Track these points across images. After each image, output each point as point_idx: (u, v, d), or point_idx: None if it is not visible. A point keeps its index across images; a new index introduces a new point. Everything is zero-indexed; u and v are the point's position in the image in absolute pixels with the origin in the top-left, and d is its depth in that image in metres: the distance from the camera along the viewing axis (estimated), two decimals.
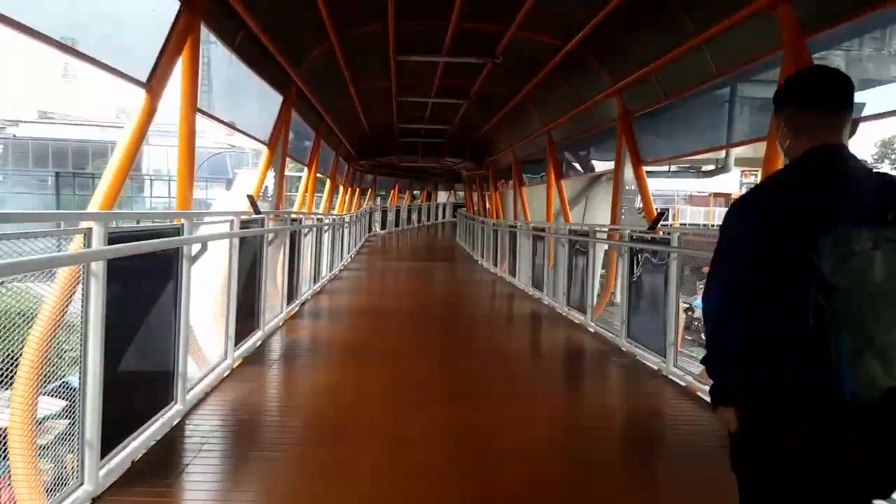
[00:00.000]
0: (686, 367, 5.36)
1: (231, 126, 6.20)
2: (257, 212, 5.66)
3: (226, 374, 5.02)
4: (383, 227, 27.77)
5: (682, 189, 46.17)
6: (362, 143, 16.67)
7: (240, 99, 6.91)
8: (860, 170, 1.51)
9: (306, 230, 8.85)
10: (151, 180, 42.69)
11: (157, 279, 3.71)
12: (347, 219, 15.74)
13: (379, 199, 32.71)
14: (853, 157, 1.53)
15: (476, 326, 7.97)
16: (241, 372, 5.18)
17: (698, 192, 47.77)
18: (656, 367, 5.59)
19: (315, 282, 10.12)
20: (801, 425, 1.43)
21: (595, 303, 7.67)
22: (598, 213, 19.29)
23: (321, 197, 15.37)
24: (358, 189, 22.27)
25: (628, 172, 7.86)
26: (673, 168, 23.62)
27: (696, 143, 7.88)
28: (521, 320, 8.89)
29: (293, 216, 7.92)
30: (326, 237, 11.60)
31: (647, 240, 6.09)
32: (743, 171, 44.09)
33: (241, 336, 5.60)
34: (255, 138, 6.76)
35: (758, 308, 1.46)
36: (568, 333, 7.62)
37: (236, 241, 5.09)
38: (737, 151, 17.38)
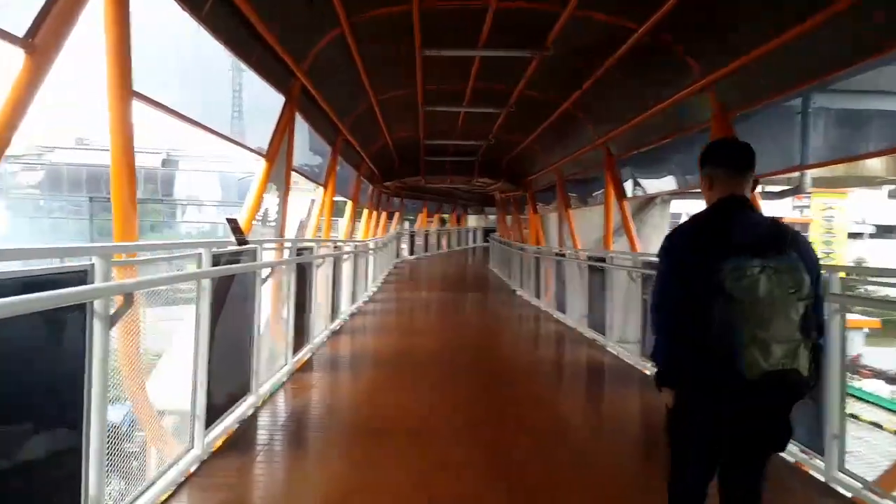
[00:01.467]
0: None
1: (197, 124, 4.74)
2: (241, 241, 4.21)
3: (193, 470, 3.54)
4: (411, 252, 26.36)
5: None
6: (386, 161, 15.29)
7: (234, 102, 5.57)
8: (755, 216, 2.08)
9: (320, 260, 7.42)
10: (184, 206, 42.51)
11: (46, 353, 2.27)
12: (372, 245, 14.35)
13: (407, 223, 31.45)
14: (752, 205, 2.12)
15: (526, 386, 6.12)
16: (213, 466, 3.68)
17: None
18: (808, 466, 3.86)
19: (332, 320, 8.67)
20: (719, 395, 1.98)
21: None
22: (652, 241, 17.49)
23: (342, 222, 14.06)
24: (384, 212, 20.94)
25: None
26: None
27: (766, 163, 6.64)
28: (581, 376, 7.14)
29: (301, 245, 6.48)
30: (347, 266, 10.19)
31: None
32: (796, 195, 41.32)
33: (220, 409, 4.14)
34: (247, 147, 5.34)
35: (683, 314, 1.99)
36: (647, 398, 5.96)
37: (206, 282, 3.64)
38: (814, 171, 15.47)
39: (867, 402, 15.56)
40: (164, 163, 43.26)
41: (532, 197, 16.18)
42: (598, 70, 7.11)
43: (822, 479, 3.53)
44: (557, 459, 4.02)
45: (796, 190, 18.97)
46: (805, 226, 43.57)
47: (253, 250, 4.67)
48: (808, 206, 43.95)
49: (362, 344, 8.29)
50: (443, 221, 35.34)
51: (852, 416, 12.18)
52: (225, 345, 4.37)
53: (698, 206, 2.17)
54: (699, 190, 2.24)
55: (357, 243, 12.09)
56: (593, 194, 12.47)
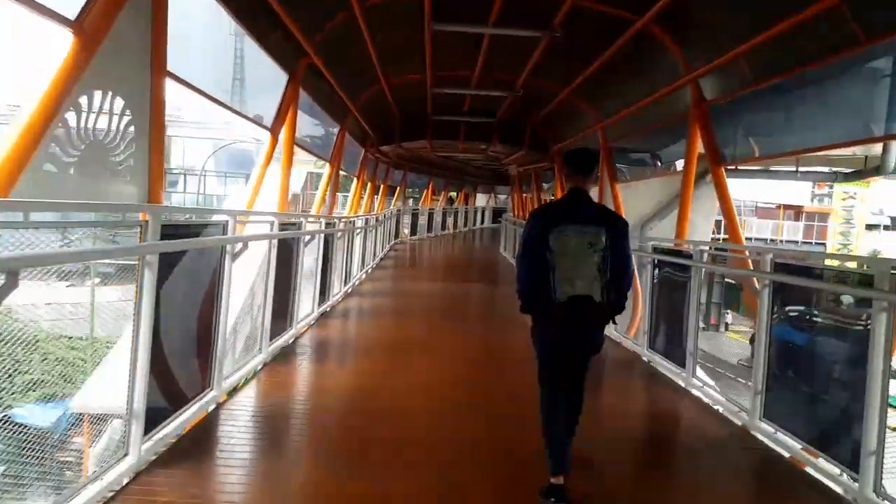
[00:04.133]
0: None
1: None
2: None
3: None
4: (413, 232, 23.27)
5: (751, 199, 40.72)
6: (383, 118, 12.17)
7: None
8: (587, 201, 3.04)
9: (238, 246, 4.44)
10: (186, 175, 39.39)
11: None
12: (360, 223, 11.33)
13: (411, 200, 28.43)
14: (587, 195, 3.06)
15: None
16: None
17: (765, 204, 42.54)
18: None
19: (273, 339, 5.62)
20: (547, 314, 2.97)
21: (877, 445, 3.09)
22: (699, 225, 14.37)
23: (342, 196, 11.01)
24: (382, 186, 17.89)
25: None
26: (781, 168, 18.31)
27: (834, 133, 5.80)
28: (688, 473, 3.90)
29: (195, 220, 3.50)
30: (314, 250, 7.26)
31: None
32: (816, 183, 38.09)
33: None
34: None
35: (533, 264, 2.94)
36: None
37: None
38: None
39: None
40: None
41: (561, 169, 13.14)
42: None
43: None
44: None
45: (877, 171, 15.84)
46: (824, 216, 40.75)
47: None
48: (828, 196, 41.15)
49: (312, 388, 5.25)
50: (451, 200, 32.35)
51: None
52: None
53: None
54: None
55: (335, 220, 9.08)
56: (652, 163, 9.47)
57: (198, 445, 3.59)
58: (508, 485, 3.24)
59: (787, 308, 4.06)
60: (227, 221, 4.15)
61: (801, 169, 17.24)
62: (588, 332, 3.01)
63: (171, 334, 3.55)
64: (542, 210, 3.24)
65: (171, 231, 3.41)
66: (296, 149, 6.91)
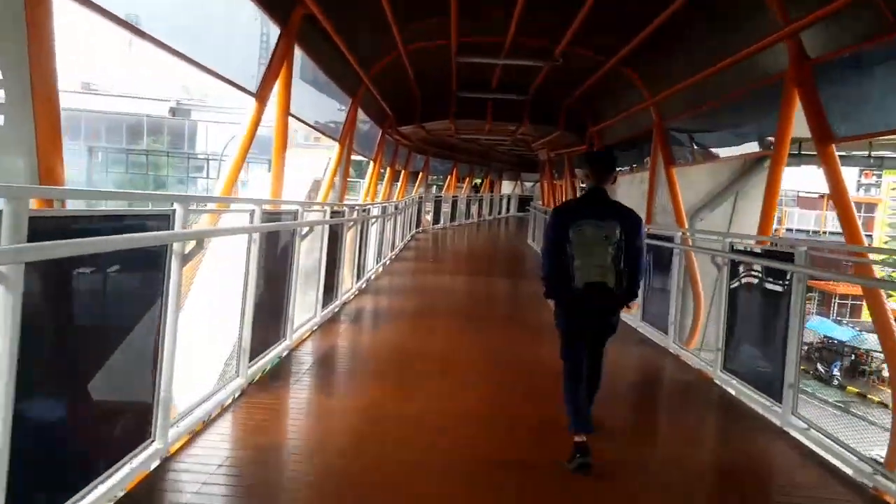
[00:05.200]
0: None
1: None
2: None
3: None
4: (436, 220, 22.07)
5: (791, 188, 38.45)
6: (402, 93, 10.92)
7: None
8: (605, 199, 3.34)
9: (191, 245, 3.30)
10: (199, 161, 38.80)
11: None
12: (376, 211, 10.18)
13: (434, 187, 27.26)
14: (605, 193, 3.34)
15: None
16: None
17: (807, 193, 40.15)
18: None
19: (263, 352, 4.53)
20: (567, 299, 3.30)
21: None
22: (752, 220, 12.93)
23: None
24: (403, 171, 16.70)
25: None
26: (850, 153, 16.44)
27: None
28: None
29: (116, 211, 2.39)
30: (318, 243, 6.14)
31: None
32: (863, 171, 35.87)
33: None
34: None
35: (556, 254, 3.27)
36: None
37: None
38: None
39: None
40: (174, 112, 39.38)
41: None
42: None
43: None
44: None
45: None
46: (871, 206, 38.68)
47: None
48: (875, 185, 39.33)
49: (306, 427, 4.03)
50: (476, 188, 31.08)
51: None
52: None
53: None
54: None
55: (344, 208, 7.90)
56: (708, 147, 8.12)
57: None
58: None
59: None
60: (175, 210, 3.00)
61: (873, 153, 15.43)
62: (604, 316, 3.35)
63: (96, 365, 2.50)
64: (563, 207, 3.73)
65: (70, 224, 2.31)
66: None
